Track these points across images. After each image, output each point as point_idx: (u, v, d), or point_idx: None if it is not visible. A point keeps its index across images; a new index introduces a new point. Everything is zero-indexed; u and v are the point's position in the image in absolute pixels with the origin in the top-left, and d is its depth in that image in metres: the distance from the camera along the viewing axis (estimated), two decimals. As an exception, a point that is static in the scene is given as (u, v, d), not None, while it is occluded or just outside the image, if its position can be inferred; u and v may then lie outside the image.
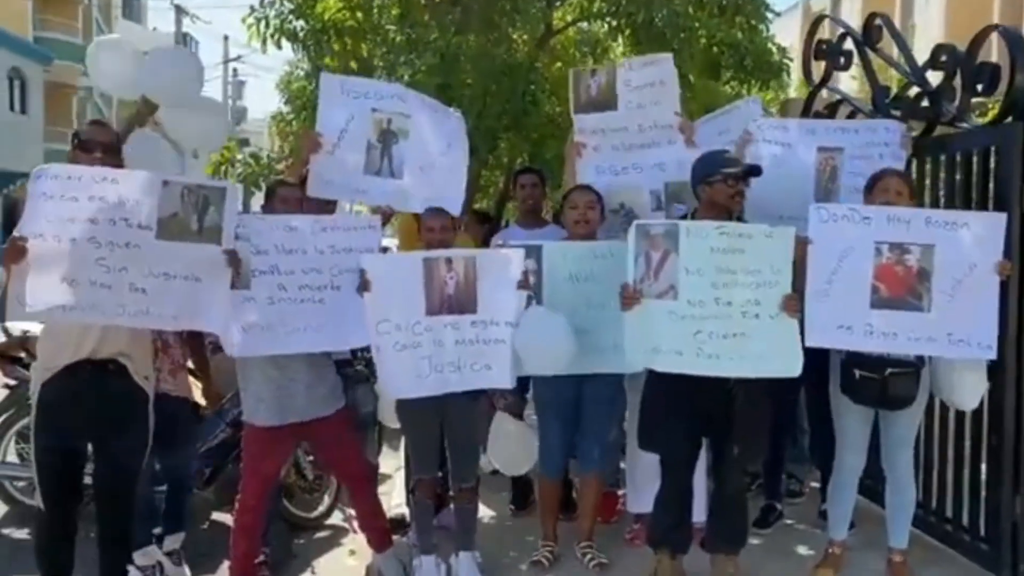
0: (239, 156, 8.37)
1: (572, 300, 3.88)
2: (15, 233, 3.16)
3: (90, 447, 3.50)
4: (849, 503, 3.99)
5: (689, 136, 4.27)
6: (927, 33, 20.88)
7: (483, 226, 5.51)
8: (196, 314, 3.43)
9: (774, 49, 6.30)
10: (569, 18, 7.09)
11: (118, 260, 3.24)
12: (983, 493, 4.03)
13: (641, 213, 4.22)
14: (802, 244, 3.49)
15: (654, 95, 4.31)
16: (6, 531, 4.90)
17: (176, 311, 3.36)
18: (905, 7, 24.44)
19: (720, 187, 3.59)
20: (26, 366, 4.71)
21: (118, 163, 3.43)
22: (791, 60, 6.70)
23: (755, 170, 3.64)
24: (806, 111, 5.27)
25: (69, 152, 3.45)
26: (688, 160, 3.88)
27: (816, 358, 3.61)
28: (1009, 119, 3.85)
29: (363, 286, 3.60)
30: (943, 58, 4.17)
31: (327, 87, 4.26)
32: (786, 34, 4.88)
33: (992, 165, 3.93)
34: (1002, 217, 3.53)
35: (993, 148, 3.92)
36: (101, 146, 3.38)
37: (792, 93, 10.89)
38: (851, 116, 5.08)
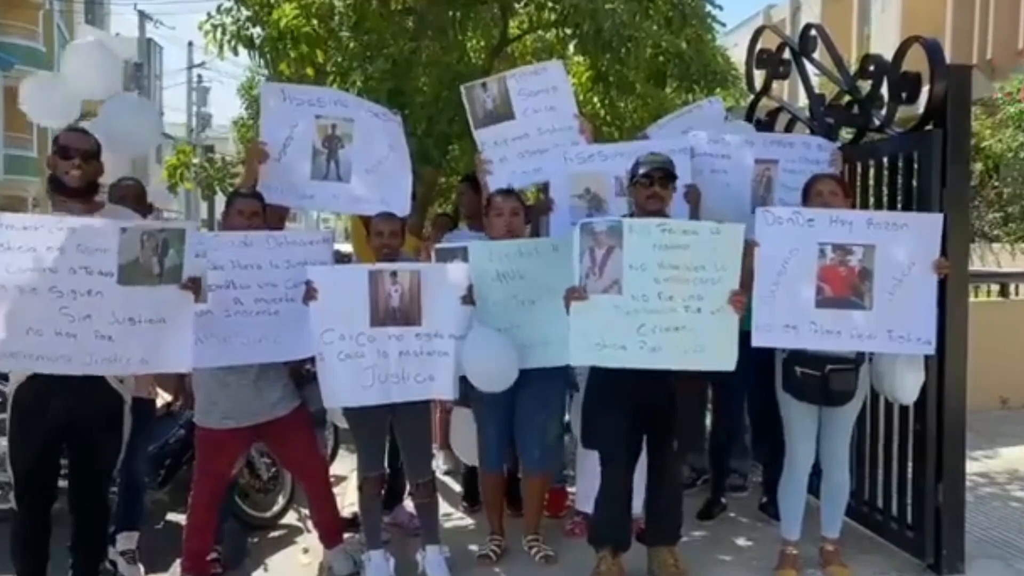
0: (195, 160, 8.36)
1: (501, 298, 3.92)
2: None
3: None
4: (801, 500, 4.03)
5: (588, 136, 4.44)
6: (883, 40, 21.27)
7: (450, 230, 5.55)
8: (164, 355, 3.39)
9: (720, 59, 6.47)
10: (524, 27, 7.17)
11: (81, 308, 3.20)
12: (910, 484, 4.18)
13: (605, 198, 4.28)
14: (749, 246, 3.57)
15: (548, 100, 4.41)
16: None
17: (144, 355, 3.33)
18: (862, 15, 24.90)
19: (639, 188, 3.71)
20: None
21: (96, 169, 3.44)
22: (737, 70, 6.88)
23: (656, 173, 3.67)
24: (748, 118, 5.45)
25: (49, 157, 3.41)
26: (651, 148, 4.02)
27: (758, 357, 3.71)
28: (930, 126, 4.02)
29: (308, 295, 3.67)
30: (871, 68, 4.35)
31: (269, 95, 4.30)
32: (747, 43, 5.06)
33: (916, 169, 4.10)
34: (939, 218, 3.64)
35: (916, 153, 4.09)
36: (81, 153, 3.37)
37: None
38: (790, 122, 5.27)
